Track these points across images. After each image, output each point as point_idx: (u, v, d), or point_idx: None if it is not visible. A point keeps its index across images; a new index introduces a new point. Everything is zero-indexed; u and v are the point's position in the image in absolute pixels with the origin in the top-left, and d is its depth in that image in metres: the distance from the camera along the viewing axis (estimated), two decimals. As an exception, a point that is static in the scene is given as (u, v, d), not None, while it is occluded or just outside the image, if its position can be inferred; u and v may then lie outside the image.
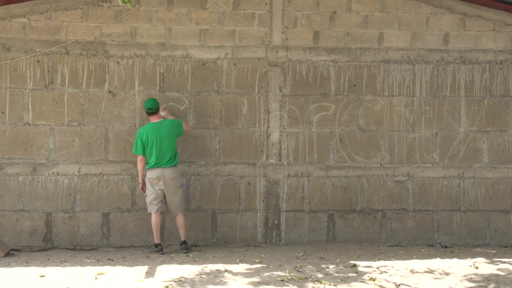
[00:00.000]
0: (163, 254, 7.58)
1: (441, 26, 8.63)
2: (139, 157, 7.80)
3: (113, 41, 8.28)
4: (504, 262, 6.93)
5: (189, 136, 8.30)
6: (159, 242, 7.74)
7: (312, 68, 8.50)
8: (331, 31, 8.54)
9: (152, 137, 7.73)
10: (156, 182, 7.73)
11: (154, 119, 7.88)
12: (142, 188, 7.87)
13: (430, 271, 6.36)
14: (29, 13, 8.17)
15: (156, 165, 7.73)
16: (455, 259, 7.07)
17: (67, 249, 7.97)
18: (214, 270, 6.39)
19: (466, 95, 8.63)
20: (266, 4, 8.45)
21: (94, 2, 8.25)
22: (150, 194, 7.75)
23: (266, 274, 6.19)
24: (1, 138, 8.09)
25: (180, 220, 7.83)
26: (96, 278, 6.08)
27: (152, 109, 7.85)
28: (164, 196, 7.78)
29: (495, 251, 7.89)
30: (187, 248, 7.74)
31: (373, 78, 8.56)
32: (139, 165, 7.82)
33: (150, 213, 7.80)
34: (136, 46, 8.31)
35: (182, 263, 6.89)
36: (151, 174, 7.76)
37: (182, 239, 7.81)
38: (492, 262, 6.93)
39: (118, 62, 8.29)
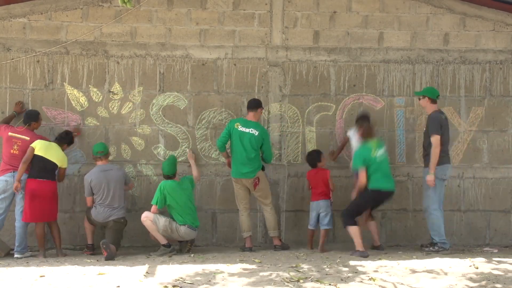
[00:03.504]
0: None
1: (441, 26, 8.63)
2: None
3: (113, 41, 8.29)
4: (504, 262, 6.93)
5: (189, 136, 8.31)
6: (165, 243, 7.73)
7: (312, 68, 8.50)
8: (331, 31, 8.54)
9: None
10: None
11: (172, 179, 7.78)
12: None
13: (430, 271, 6.36)
14: (29, 13, 8.18)
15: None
16: (455, 259, 7.06)
17: (67, 249, 7.97)
18: (214, 270, 6.39)
19: (466, 95, 8.63)
20: (266, 4, 8.45)
21: (94, 2, 8.25)
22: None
23: (266, 274, 6.18)
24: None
25: None
26: (96, 278, 6.08)
27: (169, 175, 7.75)
28: None
29: (496, 250, 7.89)
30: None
31: (373, 78, 8.56)
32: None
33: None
34: (136, 46, 8.32)
35: (182, 263, 6.89)
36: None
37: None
38: (492, 262, 6.93)
39: (118, 62, 8.29)
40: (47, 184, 7.64)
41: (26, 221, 7.63)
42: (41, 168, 7.62)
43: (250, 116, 7.93)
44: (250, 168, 7.81)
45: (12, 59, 8.16)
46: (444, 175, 7.80)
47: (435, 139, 7.68)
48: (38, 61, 8.20)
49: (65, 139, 7.86)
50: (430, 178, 7.65)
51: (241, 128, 7.80)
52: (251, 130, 7.82)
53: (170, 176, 7.74)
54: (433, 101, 7.93)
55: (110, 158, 8.14)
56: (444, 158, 7.77)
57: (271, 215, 7.95)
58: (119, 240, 7.74)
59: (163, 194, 7.63)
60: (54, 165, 7.70)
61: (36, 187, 7.56)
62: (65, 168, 7.82)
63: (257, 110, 7.95)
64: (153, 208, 7.67)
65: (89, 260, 7.19)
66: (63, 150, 7.83)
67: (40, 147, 7.62)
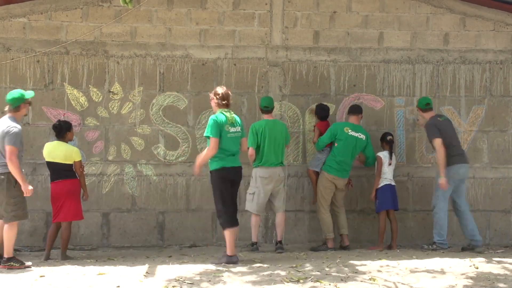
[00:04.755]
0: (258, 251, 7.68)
1: (441, 26, 8.63)
2: (251, 151, 7.70)
3: (113, 41, 8.28)
4: (504, 262, 6.93)
5: (189, 136, 8.31)
6: (256, 241, 7.81)
7: (312, 68, 8.50)
8: (331, 31, 8.54)
9: (267, 134, 7.68)
10: (267, 182, 7.71)
11: (268, 117, 7.86)
12: None
13: (430, 271, 6.36)
14: (29, 13, 8.18)
15: (270, 164, 7.69)
16: (455, 259, 7.05)
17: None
18: (214, 270, 6.39)
19: (466, 95, 8.64)
20: (266, 4, 8.45)
21: (94, 2, 8.25)
22: (259, 193, 7.72)
23: (266, 274, 6.18)
24: (1, 138, 8.08)
25: (281, 218, 7.85)
26: (96, 278, 6.08)
27: (268, 108, 7.84)
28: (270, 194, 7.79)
29: (502, 250, 7.91)
30: (282, 248, 7.73)
31: (373, 78, 8.56)
32: (252, 159, 7.76)
33: (249, 212, 7.84)
34: (136, 46, 8.31)
35: (182, 263, 6.89)
36: (264, 172, 7.71)
37: (278, 239, 7.82)
38: (492, 262, 6.93)
39: (118, 62, 8.29)
40: (58, 184, 7.38)
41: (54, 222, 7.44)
42: (52, 171, 7.48)
43: (355, 120, 8.06)
44: (349, 168, 8.03)
45: (12, 59, 8.16)
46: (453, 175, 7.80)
47: (436, 143, 7.71)
48: (38, 61, 8.20)
49: (62, 131, 7.48)
50: (441, 181, 7.67)
51: (351, 133, 7.93)
52: (360, 135, 7.98)
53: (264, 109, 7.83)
54: (424, 110, 7.99)
55: (110, 158, 8.15)
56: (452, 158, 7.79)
57: (344, 215, 8.08)
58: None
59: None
60: (61, 165, 7.41)
61: (52, 189, 7.42)
62: (78, 161, 7.46)
63: (359, 115, 8.10)
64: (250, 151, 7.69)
65: (89, 260, 7.19)
66: (69, 140, 7.54)
67: (44, 153, 7.49)
